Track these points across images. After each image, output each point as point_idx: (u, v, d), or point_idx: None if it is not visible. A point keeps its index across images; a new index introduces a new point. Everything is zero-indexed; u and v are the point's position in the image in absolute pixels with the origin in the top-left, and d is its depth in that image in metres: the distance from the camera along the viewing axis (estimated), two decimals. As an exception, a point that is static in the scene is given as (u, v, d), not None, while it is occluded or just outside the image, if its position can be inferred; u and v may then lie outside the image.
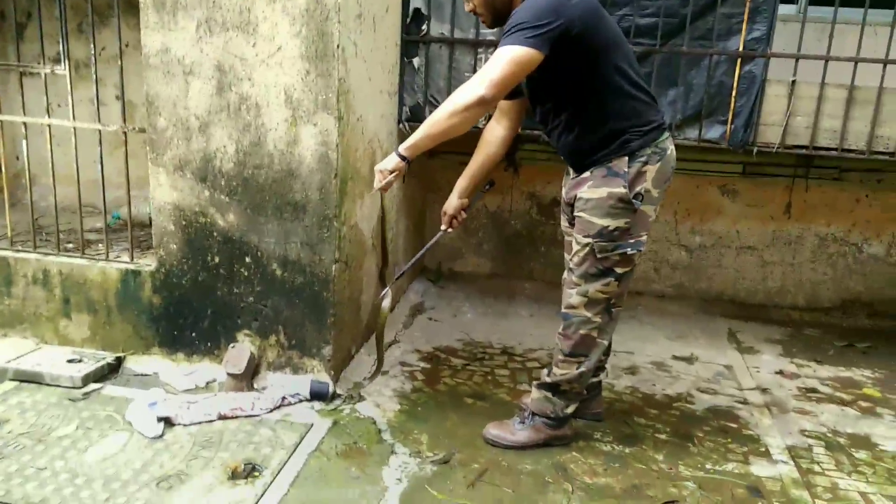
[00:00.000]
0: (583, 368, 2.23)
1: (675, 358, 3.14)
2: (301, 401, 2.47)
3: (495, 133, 2.38)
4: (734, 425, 2.55)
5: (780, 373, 3.04)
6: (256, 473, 2.04)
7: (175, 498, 1.91)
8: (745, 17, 2.87)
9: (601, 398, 2.54)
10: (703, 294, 3.84)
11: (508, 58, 1.91)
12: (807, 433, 2.53)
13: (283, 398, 2.45)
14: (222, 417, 2.32)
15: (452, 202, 2.41)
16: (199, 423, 2.29)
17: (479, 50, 3.09)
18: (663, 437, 2.44)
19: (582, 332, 2.21)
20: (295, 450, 2.18)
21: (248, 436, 2.24)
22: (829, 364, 3.17)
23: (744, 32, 2.88)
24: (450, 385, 2.74)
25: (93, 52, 2.61)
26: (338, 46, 2.35)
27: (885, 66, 2.88)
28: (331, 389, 2.52)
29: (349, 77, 2.47)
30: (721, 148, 3.10)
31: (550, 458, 2.26)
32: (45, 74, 2.61)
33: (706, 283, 3.84)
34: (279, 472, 2.06)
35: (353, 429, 2.35)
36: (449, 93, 3.18)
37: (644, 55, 2.99)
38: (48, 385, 2.47)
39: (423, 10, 3.09)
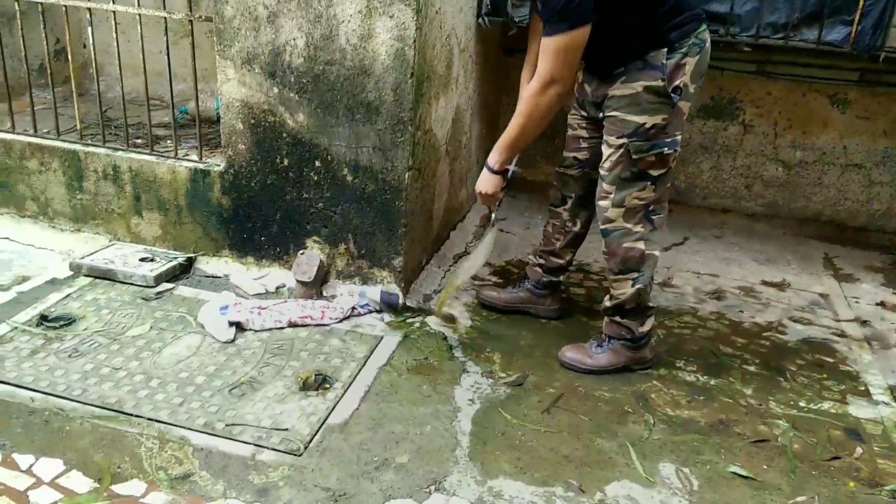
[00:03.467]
0: (639, 285, 2.09)
1: (765, 283, 2.92)
2: (370, 311, 2.41)
3: None
4: (830, 360, 2.37)
5: (882, 304, 2.81)
6: (327, 385, 2.00)
7: (247, 405, 1.90)
8: None
9: (559, 295, 2.51)
10: (799, 214, 3.55)
11: (562, 48, 1.85)
12: (911, 373, 2.33)
13: (353, 308, 2.38)
14: (292, 325, 2.28)
15: None
16: (270, 329, 2.25)
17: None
18: (752, 368, 2.28)
19: (626, 244, 2.06)
20: (365, 363, 2.12)
21: (319, 345, 2.20)
22: (937, 297, 2.91)
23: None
24: (523, 301, 2.62)
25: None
26: (419, -75, 2.10)
27: None
28: (401, 301, 2.44)
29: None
30: (838, 51, 2.74)
31: (630, 385, 2.15)
32: (107, -43, 2.45)
33: (803, 202, 3.54)
34: (350, 386, 2.01)
35: (423, 344, 2.28)
36: (535, -17, 2.89)
37: (763, -59, 2.61)
38: (122, 283, 2.47)
39: None
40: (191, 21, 2.46)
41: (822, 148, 3.44)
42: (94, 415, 1.83)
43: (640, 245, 2.07)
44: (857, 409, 2.11)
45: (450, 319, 2.40)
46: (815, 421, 2.04)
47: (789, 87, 3.37)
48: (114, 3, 2.51)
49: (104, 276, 2.49)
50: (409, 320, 2.41)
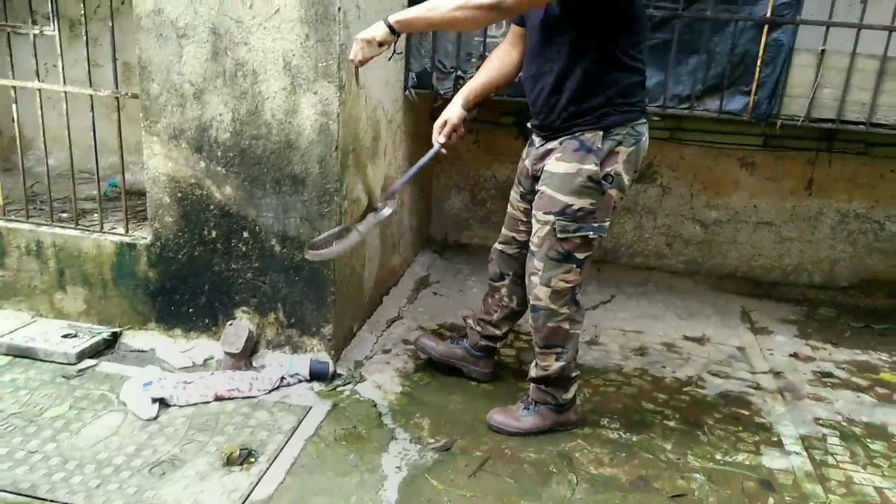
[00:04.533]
0: (562, 361, 2.16)
1: (686, 338, 3.05)
2: (300, 381, 2.41)
3: (510, 56, 2.20)
4: (746, 412, 2.47)
5: (795, 355, 2.95)
6: (252, 459, 1.98)
7: (167, 485, 1.86)
8: (775, -19, 2.70)
9: (492, 360, 2.54)
10: (717, 271, 3.73)
11: None
12: (821, 422, 2.45)
13: (282, 378, 2.38)
14: (219, 398, 2.26)
15: (456, 110, 2.21)
16: (195, 403, 2.23)
17: (491, 13, 2.91)
18: (672, 423, 2.36)
19: (550, 324, 2.12)
20: (292, 434, 2.12)
21: (245, 419, 2.18)
22: (845, 346, 3.08)
23: (773, -2, 2.71)
24: (453, 365, 2.67)
25: (83, 10, 2.47)
26: (339, 9, 2.21)
27: (922, 37, 2.71)
28: (331, 369, 2.45)
29: (351, 42, 2.33)
30: (742, 120, 2.95)
31: (555, 445, 2.19)
32: (34, 35, 2.48)
33: (720, 259, 3.72)
34: (275, 459, 2.00)
35: (352, 412, 2.28)
36: (458, 58, 3.04)
37: (665, 20, 2.83)
38: (42, 361, 2.41)
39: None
40: (117, 98, 2.50)
41: (734, 207, 3.65)
42: (5, 501, 1.77)
43: (565, 325, 2.13)
44: (770, 460, 2.20)
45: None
46: (731, 473, 2.11)
47: (701, 152, 3.58)
48: (38, 80, 2.53)
49: (24, 354, 2.43)
50: (340, 389, 2.42)
